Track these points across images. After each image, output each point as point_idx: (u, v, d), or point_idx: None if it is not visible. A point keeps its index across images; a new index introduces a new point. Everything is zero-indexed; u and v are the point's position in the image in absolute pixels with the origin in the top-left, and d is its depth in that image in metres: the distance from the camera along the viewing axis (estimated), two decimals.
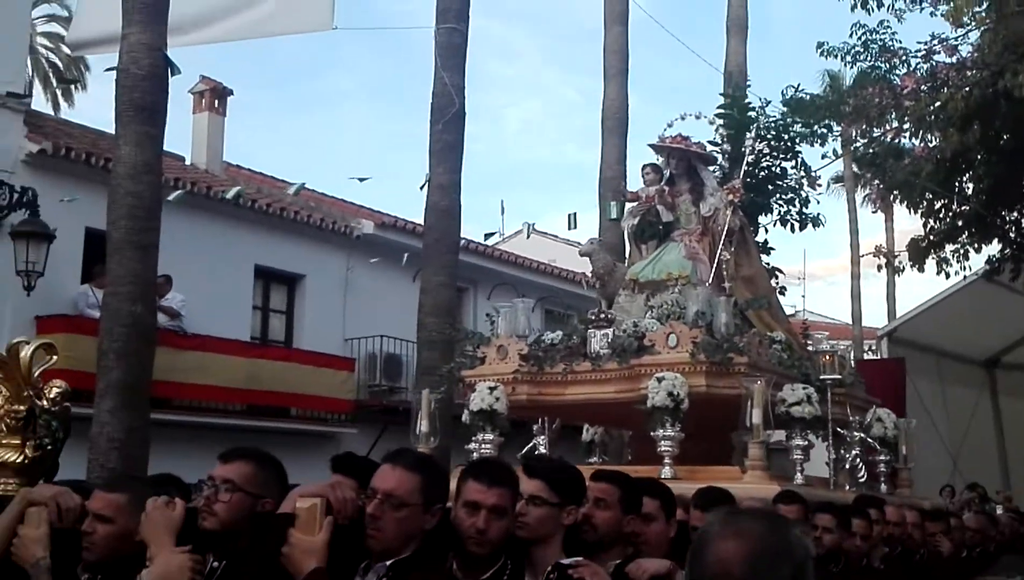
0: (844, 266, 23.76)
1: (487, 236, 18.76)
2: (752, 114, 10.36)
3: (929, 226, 14.10)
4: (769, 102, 11.87)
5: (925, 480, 12.74)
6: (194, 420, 14.12)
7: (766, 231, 11.21)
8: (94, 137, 15.77)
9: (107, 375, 9.22)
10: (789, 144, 10.67)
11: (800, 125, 10.98)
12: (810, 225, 11.10)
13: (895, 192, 15.28)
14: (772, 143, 10.50)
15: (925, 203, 14.03)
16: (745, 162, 8.76)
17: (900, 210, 18.36)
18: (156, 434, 9.67)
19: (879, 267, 21.73)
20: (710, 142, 9.38)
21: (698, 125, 10.34)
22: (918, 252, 14.60)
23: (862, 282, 22.42)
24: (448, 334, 9.12)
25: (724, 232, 7.41)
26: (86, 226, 13.36)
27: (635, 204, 8.17)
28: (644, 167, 8.48)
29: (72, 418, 11.42)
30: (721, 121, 10.15)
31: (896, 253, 18.79)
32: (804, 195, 10.86)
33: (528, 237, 18.60)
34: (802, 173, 11.02)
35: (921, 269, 14.64)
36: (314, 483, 2.97)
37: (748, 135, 9.63)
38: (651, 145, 8.20)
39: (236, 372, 14.92)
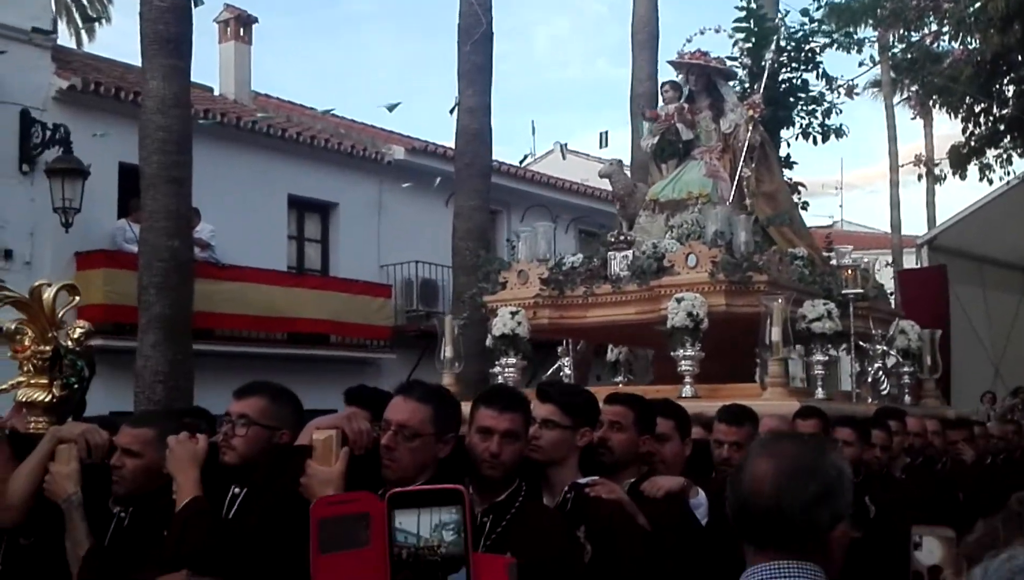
0: (883, 174, 23.38)
1: (522, 160, 18.66)
2: (771, 26, 10.12)
3: (969, 131, 13.83)
4: (788, 12, 11.60)
5: (966, 387, 12.71)
6: (236, 350, 14.28)
7: (788, 145, 11.06)
8: (122, 71, 15.72)
9: (148, 310, 9.35)
10: (810, 54, 10.45)
11: (832, 32, 10.73)
12: (833, 136, 10.91)
13: (934, 97, 14.98)
14: (792, 54, 10.28)
15: (965, 107, 13.74)
16: (765, 76, 8.59)
17: (940, 116, 18.02)
18: (199, 365, 9.82)
19: (919, 176, 21.44)
20: (729, 57, 9.21)
21: (720, 40, 10.15)
22: (959, 158, 14.37)
23: (901, 190, 22.13)
24: (479, 259, 9.15)
25: (744, 149, 7.30)
26: (119, 161, 13.39)
27: (655, 123, 8.05)
28: (663, 85, 8.38)
29: (115, 351, 11.58)
30: (740, 35, 9.96)
31: (936, 161, 18.52)
32: (826, 105, 10.66)
33: (564, 158, 18.47)
34: (824, 83, 10.82)
35: (963, 176, 14.42)
36: (330, 416, 3.02)
37: (768, 48, 9.46)
38: (670, 62, 8.08)
39: (275, 302, 15.03)
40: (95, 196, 13.07)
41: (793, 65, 10.28)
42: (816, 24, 10.48)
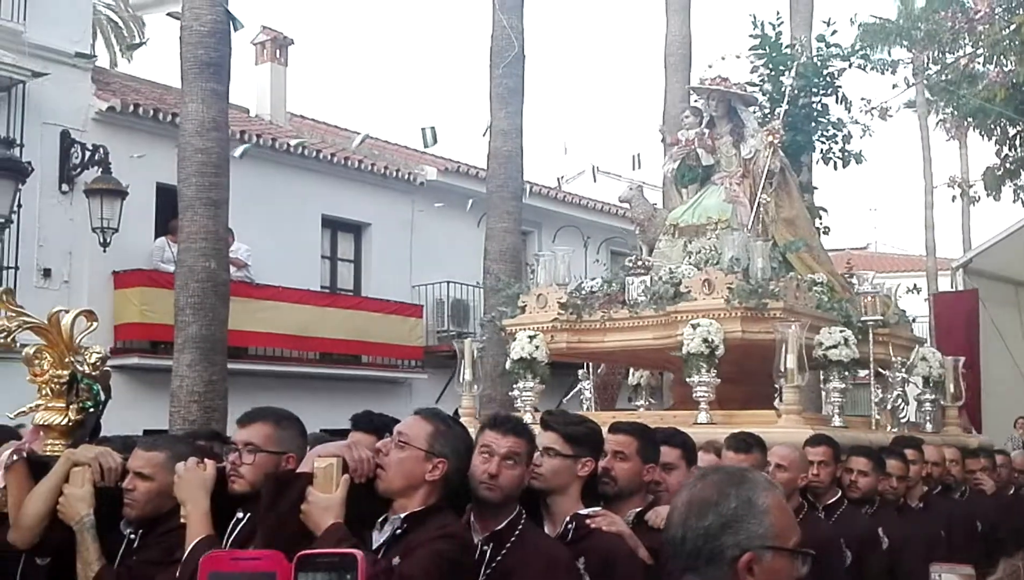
0: (917, 196, 23.18)
1: (558, 181, 18.70)
2: (787, 52, 10.11)
3: (1004, 153, 13.71)
4: (803, 39, 11.57)
5: (1001, 412, 12.54)
6: (269, 369, 14.46)
7: (808, 170, 10.99)
8: (160, 92, 16.00)
9: (184, 330, 9.47)
10: (828, 79, 10.41)
11: (848, 55, 10.68)
12: (852, 161, 10.85)
13: (968, 119, 14.86)
14: (811, 79, 10.25)
15: (999, 129, 13.63)
16: (785, 101, 8.58)
17: (974, 137, 17.84)
18: (233, 384, 9.93)
19: (953, 197, 21.18)
20: (749, 84, 9.20)
21: (742, 65, 10.12)
22: (994, 180, 14.23)
23: (936, 212, 21.91)
24: (500, 282, 9.22)
25: (764, 174, 7.29)
26: (156, 181, 13.63)
27: (675, 148, 8.08)
28: (684, 110, 8.38)
29: (151, 370, 11.74)
30: (759, 61, 9.95)
31: (971, 182, 18.32)
32: (846, 132, 10.61)
33: (595, 180, 18.49)
34: (844, 108, 10.76)
35: (997, 197, 14.27)
36: (333, 443, 3.07)
37: (786, 73, 9.45)
38: (691, 87, 8.08)
39: (308, 321, 15.19)
40: (133, 216, 13.30)
41: (812, 90, 10.24)
42: (833, 48, 10.44)
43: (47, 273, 13.05)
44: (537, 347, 6.80)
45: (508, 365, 7.01)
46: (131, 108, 13.92)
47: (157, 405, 10.06)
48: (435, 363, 16.78)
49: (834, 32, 10.56)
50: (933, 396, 7.17)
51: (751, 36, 10.03)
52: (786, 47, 10.20)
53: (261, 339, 14.57)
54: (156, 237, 13.98)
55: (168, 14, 10.36)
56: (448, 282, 17.27)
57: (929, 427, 7.14)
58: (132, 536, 3.35)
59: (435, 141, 12.31)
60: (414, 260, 17.57)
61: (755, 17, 10.03)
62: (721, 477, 2.04)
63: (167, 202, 11.98)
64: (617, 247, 17.87)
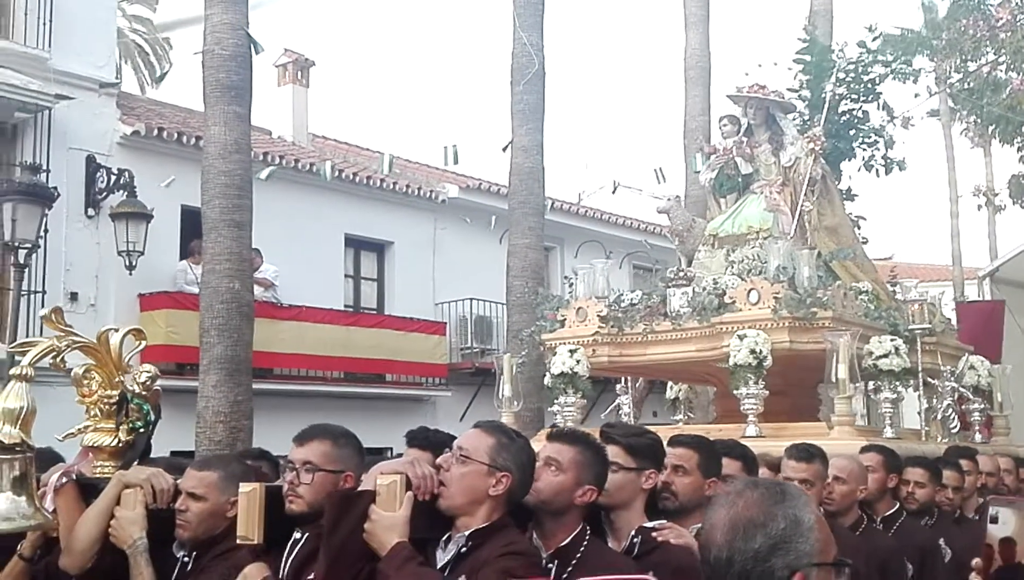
0: (943, 205, 23.02)
1: (579, 197, 18.68)
2: (832, 57, 10.04)
3: None
4: (846, 44, 11.51)
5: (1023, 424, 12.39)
6: (294, 389, 14.47)
7: (849, 178, 10.92)
8: (184, 116, 16.11)
9: (210, 351, 9.51)
10: (870, 85, 10.34)
11: (889, 62, 10.63)
12: (896, 168, 10.77)
13: (992, 127, 14.77)
14: (852, 86, 10.18)
15: (1021, 137, 13.54)
16: (826, 108, 8.51)
17: (999, 146, 17.73)
18: (258, 404, 9.95)
19: (979, 206, 21.01)
20: (789, 89, 9.15)
21: (777, 73, 10.07)
22: (1019, 188, 14.13)
23: (961, 221, 21.76)
24: (533, 298, 9.17)
25: (805, 182, 7.22)
26: (181, 204, 13.70)
27: (713, 157, 8.02)
28: (721, 119, 8.32)
29: (177, 391, 11.75)
30: (800, 67, 9.89)
31: (996, 191, 18.19)
32: (888, 137, 10.53)
33: (614, 192, 18.47)
34: (886, 114, 10.68)
35: (1023, 205, 14.16)
36: (394, 460, 3.02)
37: (828, 79, 9.37)
38: (729, 95, 8.04)
39: (332, 340, 15.20)
40: (158, 239, 13.38)
41: (853, 96, 10.18)
42: (873, 55, 10.37)
43: (74, 297, 13.12)
44: (578, 361, 6.74)
45: (548, 380, 6.94)
46: (155, 132, 14.02)
47: (183, 426, 10.06)
48: (459, 380, 16.76)
49: (876, 38, 10.49)
50: (983, 405, 7.07)
51: (800, 40, 9.96)
52: (830, 53, 10.15)
53: (286, 359, 14.58)
54: (181, 259, 14.05)
55: (195, 53, 10.41)
56: (471, 299, 17.25)
57: (978, 437, 7.04)
58: (186, 559, 3.33)
59: (456, 161, 12.37)
60: (437, 278, 17.58)
61: (808, 21, 9.97)
62: (762, 494, 1.99)
63: (192, 224, 12.04)
64: (639, 261, 17.83)
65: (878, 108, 10.40)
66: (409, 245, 17.44)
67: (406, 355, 16.24)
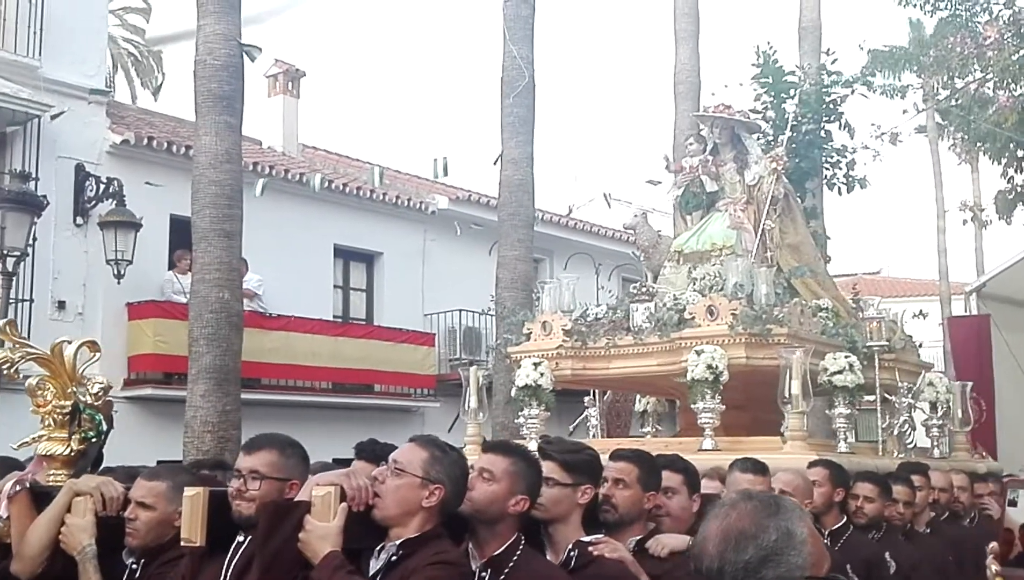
0: (929, 220, 23.13)
1: (569, 210, 18.76)
2: (788, 79, 10.17)
3: (1010, 177, 13.70)
4: (810, 66, 11.62)
5: (1015, 437, 12.42)
6: (283, 399, 14.48)
7: (812, 196, 11.02)
8: (174, 125, 16.17)
9: (199, 361, 9.52)
10: (831, 106, 10.48)
11: (865, 79, 10.77)
12: (857, 186, 10.89)
13: (979, 143, 14.87)
14: (813, 106, 10.30)
15: (1008, 154, 13.63)
16: (788, 128, 8.62)
17: (986, 162, 17.84)
18: (246, 414, 9.96)
19: (965, 221, 21.11)
20: (752, 111, 9.26)
21: (746, 92, 10.15)
22: (1006, 204, 14.21)
23: (948, 236, 21.86)
24: (504, 310, 9.25)
25: (768, 201, 7.31)
26: (170, 213, 13.74)
27: (679, 175, 8.11)
28: (687, 138, 8.45)
29: (164, 400, 11.77)
30: (762, 89, 10.00)
31: (982, 206, 18.28)
32: (850, 158, 10.67)
33: (609, 206, 18.54)
34: (848, 134, 10.80)
35: (1009, 221, 14.24)
36: (331, 472, 3.09)
37: (790, 100, 9.50)
38: (694, 115, 8.12)
39: (321, 350, 15.23)
40: (146, 248, 13.41)
41: (814, 117, 10.30)
42: (835, 76, 10.52)
43: (62, 305, 13.15)
44: (542, 374, 6.80)
45: (513, 392, 7.01)
46: (145, 141, 14.07)
47: (171, 436, 10.09)
48: (447, 391, 16.76)
49: (834, 60, 10.64)
50: (941, 422, 7.13)
51: (753, 65, 10.11)
52: (787, 74, 10.28)
53: (273, 370, 14.60)
54: (169, 269, 14.08)
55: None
56: (460, 310, 17.29)
57: (937, 453, 7.10)
58: (134, 566, 3.38)
59: (446, 173, 12.44)
60: (426, 289, 17.62)
61: (759, 47, 10.13)
62: (755, 506, 2.01)
63: (181, 234, 12.07)
64: (628, 274, 17.87)
65: (840, 128, 10.52)
66: (398, 256, 17.49)
67: (395, 366, 16.28)
